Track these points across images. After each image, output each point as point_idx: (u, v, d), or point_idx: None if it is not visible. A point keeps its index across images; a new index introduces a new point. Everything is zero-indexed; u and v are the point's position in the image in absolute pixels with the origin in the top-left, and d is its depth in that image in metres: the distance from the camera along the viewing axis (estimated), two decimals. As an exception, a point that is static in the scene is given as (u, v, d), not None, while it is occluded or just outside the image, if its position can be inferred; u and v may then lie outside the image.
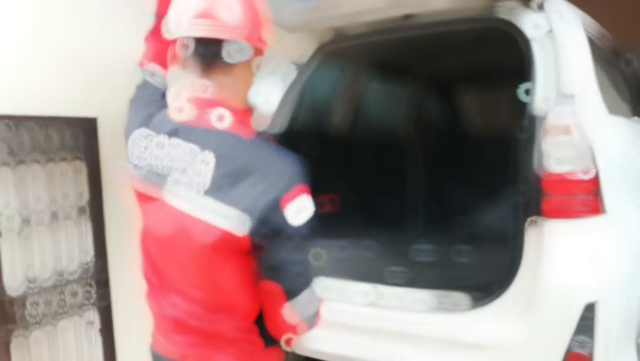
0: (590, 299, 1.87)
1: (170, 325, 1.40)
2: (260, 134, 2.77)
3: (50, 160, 2.45)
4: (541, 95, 2.05)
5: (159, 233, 1.35)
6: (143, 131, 1.39)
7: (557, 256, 1.93)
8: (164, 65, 1.70)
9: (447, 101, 4.60)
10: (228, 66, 1.36)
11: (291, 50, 2.84)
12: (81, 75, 2.47)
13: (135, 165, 1.38)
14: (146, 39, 1.72)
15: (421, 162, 4.22)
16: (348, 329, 2.34)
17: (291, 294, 1.30)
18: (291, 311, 1.30)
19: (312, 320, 1.35)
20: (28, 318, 2.34)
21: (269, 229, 1.24)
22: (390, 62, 3.76)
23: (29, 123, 2.34)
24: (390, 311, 2.29)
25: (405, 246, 3.12)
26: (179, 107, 1.38)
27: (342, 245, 3.00)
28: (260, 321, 1.36)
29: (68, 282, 2.50)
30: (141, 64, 1.69)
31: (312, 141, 3.17)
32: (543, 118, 1.99)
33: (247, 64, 1.40)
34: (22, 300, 2.32)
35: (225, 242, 1.24)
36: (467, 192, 3.86)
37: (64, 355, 2.53)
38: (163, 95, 1.64)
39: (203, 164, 1.28)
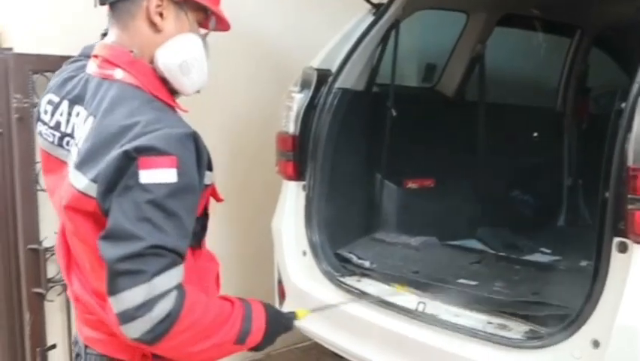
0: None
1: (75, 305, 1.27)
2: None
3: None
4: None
5: (62, 202, 1.18)
6: (51, 96, 1.25)
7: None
8: None
9: (610, 59, 3.53)
10: (127, 18, 1.15)
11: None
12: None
13: (45, 132, 1.24)
14: None
15: (563, 142, 3.36)
16: (387, 338, 2.00)
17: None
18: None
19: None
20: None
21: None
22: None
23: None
24: (429, 331, 1.86)
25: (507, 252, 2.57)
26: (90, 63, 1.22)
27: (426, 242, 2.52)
28: None
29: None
30: None
31: (407, 101, 2.65)
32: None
33: (150, 17, 1.14)
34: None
35: (79, 205, 1.08)
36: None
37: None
38: None
39: (83, 121, 1.14)
